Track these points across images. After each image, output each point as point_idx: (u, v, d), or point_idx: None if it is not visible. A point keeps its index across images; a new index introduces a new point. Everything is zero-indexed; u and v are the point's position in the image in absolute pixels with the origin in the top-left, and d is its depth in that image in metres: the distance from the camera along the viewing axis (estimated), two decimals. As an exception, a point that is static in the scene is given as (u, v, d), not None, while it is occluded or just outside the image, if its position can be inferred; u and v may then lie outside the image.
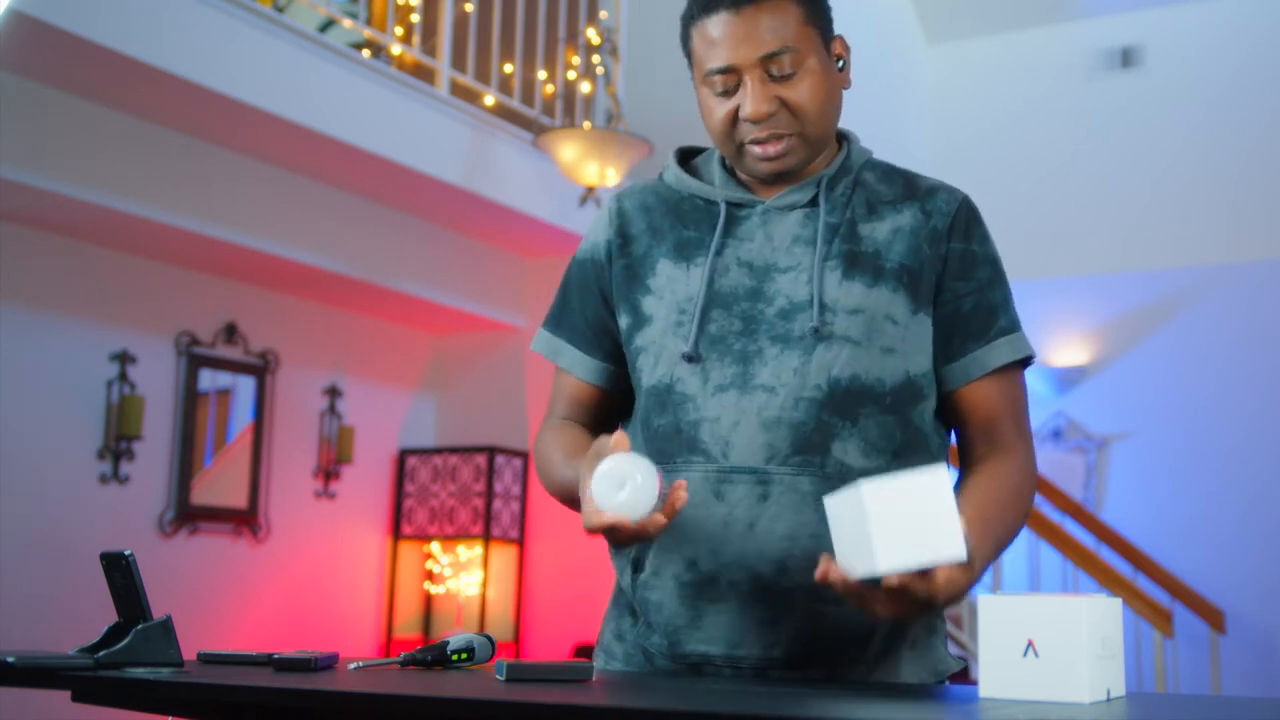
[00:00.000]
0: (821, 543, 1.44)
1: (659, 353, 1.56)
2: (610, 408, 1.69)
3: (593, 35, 5.42)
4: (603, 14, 5.52)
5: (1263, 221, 6.97)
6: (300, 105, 4.34)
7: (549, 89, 5.68)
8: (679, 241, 1.60)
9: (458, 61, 5.31)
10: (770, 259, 1.56)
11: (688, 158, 1.71)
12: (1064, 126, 7.52)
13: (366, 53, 5.03)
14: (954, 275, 1.57)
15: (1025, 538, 6.24)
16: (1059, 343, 7.12)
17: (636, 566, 1.56)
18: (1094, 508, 6.87)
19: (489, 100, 5.35)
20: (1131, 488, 6.86)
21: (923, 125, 7.88)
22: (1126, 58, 7.47)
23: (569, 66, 5.63)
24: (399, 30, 5.26)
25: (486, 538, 5.74)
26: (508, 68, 5.53)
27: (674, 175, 1.66)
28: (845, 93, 1.61)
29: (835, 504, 1.32)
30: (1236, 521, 6.55)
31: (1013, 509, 1.52)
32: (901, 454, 1.53)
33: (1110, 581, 5.73)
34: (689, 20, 1.56)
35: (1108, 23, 7.53)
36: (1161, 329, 6.97)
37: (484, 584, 5.73)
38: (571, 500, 1.55)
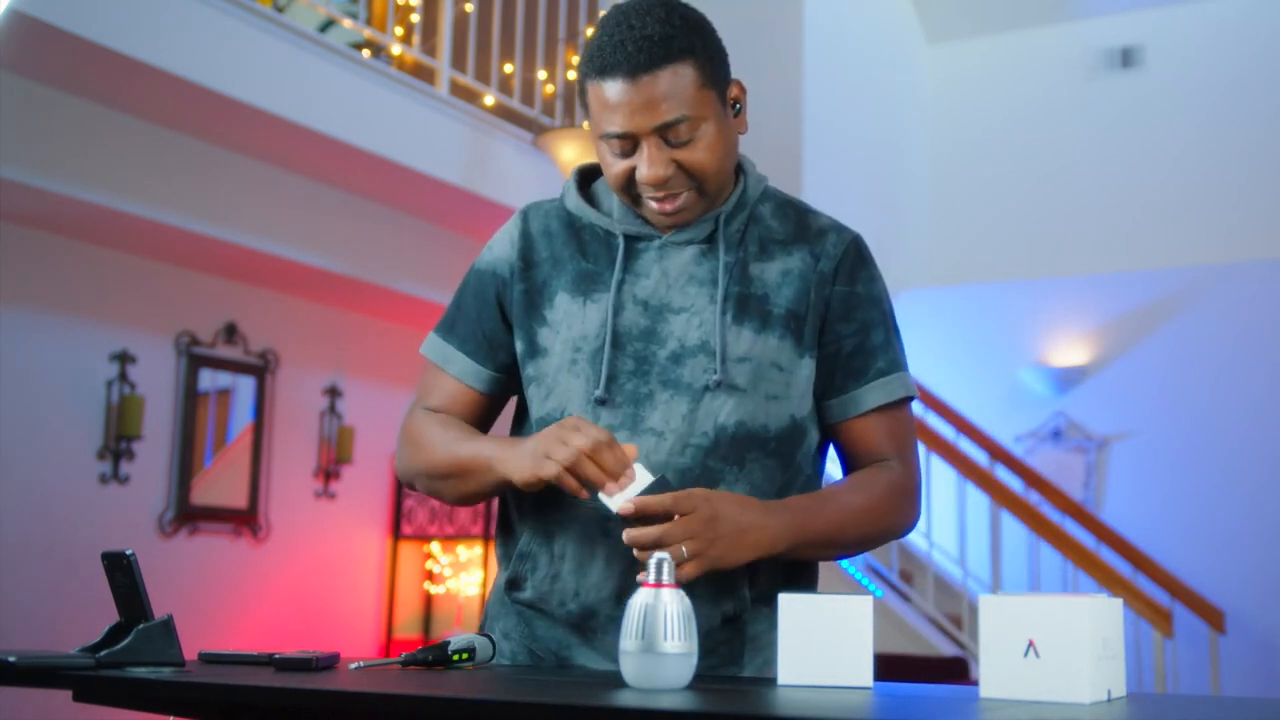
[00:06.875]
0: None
1: (552, 387, 1.58)
2: (491, 414, 1.71)
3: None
4: (602, 14, 5.51)
5: (1263, 221, 6.97)
6: (300, 105, 4.33)
7: (549, 89, 5.68)
8: (578, 274, 1.60)
9: (458, 61, 5.31)
10: (665, 298, 1.57)
11: (588, 178, 1.69)
12: (1064, 126, 7.52)
13: (366, 53, 5.03)
14: (836, 317, 1.60)
15: (1025, 538, 6.24)
16: (1059, 343, 7.12)
17: (514, 586, 1.61)
18: (1094, 508, 6.86)
19: (489, 100, 5.35)
20: (1131, 488, 6.85)
21: (923, 125, 7.88)
22: (1126, 58, 7.47)
23: (569, 66, 5.63)
24: (399, 30, 5.26)
25: (486, 538, 5.74)
26: (508, 68, 5.53)
27: (574, 202, 1.65)
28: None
29: (788, 602, 1.33)
30: (1236, 521, 6.55)
31: (864, 507, 1.56)
32: (782, 494, 1.57)
33: (1110, 581, 5.72)
34: (585, 76, 1.53)
35: (1108, 23, 7.53)
36: (1161, 329, 6.97)
37: (484, 584, 5.73)
38: (459, 475, 1.58)
